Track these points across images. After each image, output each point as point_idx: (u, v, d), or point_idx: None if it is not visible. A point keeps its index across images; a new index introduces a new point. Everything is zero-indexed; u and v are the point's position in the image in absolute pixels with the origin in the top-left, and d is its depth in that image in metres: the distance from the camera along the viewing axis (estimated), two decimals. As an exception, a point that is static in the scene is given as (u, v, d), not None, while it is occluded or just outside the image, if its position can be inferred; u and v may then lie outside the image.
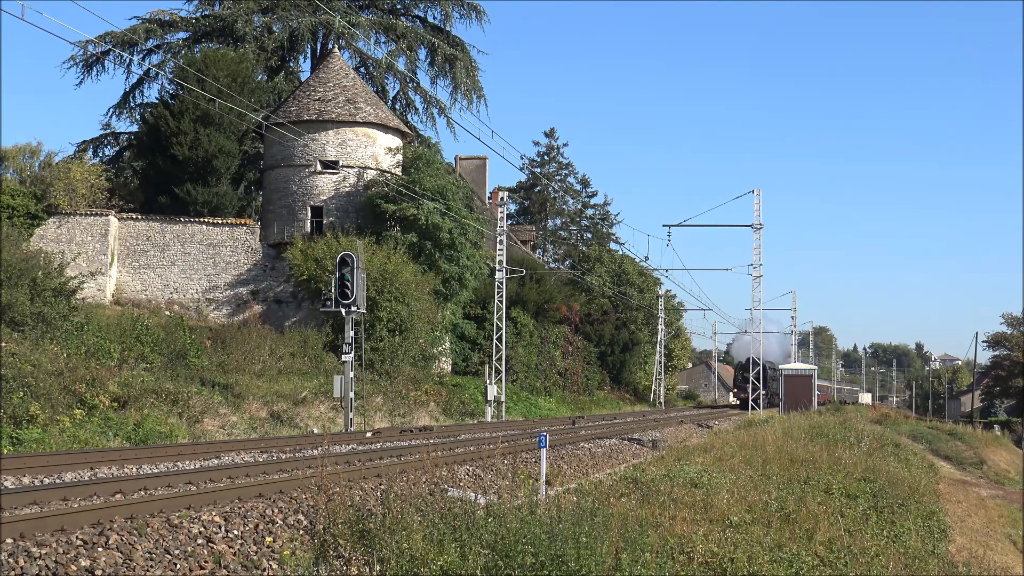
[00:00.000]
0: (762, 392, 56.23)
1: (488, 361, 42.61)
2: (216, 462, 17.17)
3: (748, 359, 63.68)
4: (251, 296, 40.24)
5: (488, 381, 39.74)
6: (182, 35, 49.54)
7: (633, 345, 69.76)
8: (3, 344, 22.59)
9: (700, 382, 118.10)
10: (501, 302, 42.49)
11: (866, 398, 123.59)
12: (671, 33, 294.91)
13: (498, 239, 43.00)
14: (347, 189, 41.03)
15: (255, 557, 9.36)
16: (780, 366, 67.24)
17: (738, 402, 71.22)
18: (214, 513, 10.22)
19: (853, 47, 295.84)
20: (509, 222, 52.26)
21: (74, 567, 8.13)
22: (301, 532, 10.10)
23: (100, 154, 50.46)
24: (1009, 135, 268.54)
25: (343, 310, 26.63)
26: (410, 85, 52.46)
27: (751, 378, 56.82)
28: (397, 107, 51.54)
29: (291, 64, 52.25)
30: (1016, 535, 22.74)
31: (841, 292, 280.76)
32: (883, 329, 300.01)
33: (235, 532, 9.89)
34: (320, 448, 19.76)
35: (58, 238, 37.62)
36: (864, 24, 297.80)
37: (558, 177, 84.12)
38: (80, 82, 49.18)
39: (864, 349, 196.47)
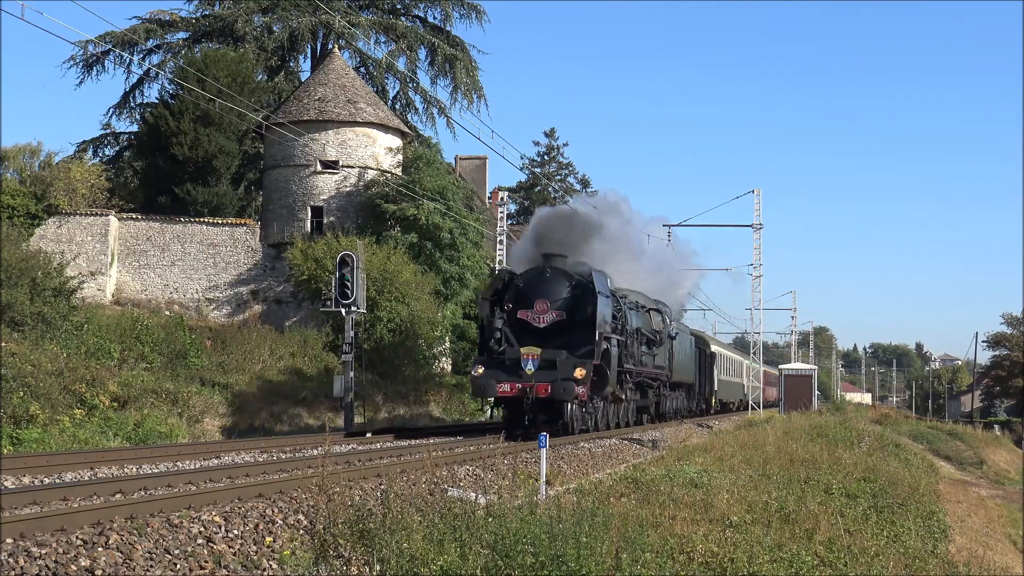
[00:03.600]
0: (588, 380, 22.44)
1: (488, 361, 42.52)
2: (216, 462, 17.16)
3: (546, 263, 24.11)
4: (251, 296, 40.25)
5: (488, 381, 39.59)
6: (182, 35, 49.55)
7: (633, 345, 69.50)
8: (3, 344, 22.59)
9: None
10: (501, 302, 42.40)
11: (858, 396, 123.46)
12: (671, 33, 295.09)
13: (498, 239, 43.01)
14: (347, 189, 41.03)
15: (255, 557, 9.36)
16: (782, 366, 54.36)
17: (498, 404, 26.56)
18: (214, 513, 10.22)
19: (853, 47, 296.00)
20: (509, 222, 52.24)
21: (74, 567, 8.12)
22: (301, 532, 10.10)
23: (100, 154, 50.45)
24: (1009, 134, 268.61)
25: (343, 310, 26.63)
26: (410, 85, 52.47)
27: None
28: (397, 107, 51.53)
29: (291, 64, 52.24)
30: (1016, 535, 22.75)
31: (841, 292, 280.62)
32: (883, 329, 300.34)
33: (235, 532, 9.89)
34: (320, 448, 19.76)
35: (58, 238, 37.62)
36: (864, 24, 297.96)
37: (558, 177, 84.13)
38: (80, 82, 49.12)
39: (864, 349, 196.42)
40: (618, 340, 25.03)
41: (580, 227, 27.16)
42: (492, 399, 23.97)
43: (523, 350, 22.92)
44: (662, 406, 33.91)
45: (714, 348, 44.91)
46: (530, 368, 22.79)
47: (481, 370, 23.18)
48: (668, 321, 32.15)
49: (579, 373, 22.52)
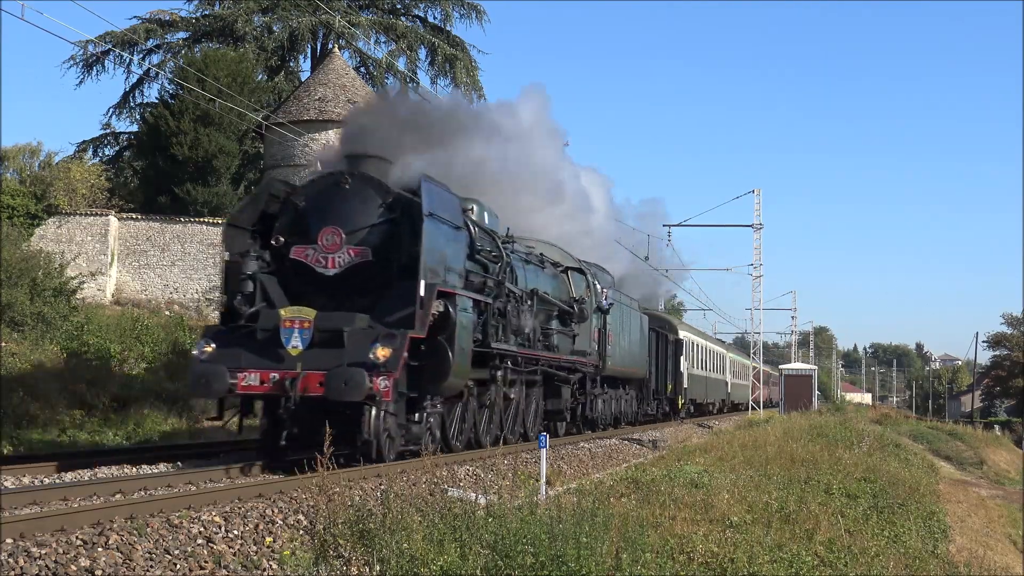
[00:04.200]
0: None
1: (488, 361, 42.23)
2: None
3: None
4: (251, 296, 40.23)
5: (488, 381, 39.34)
6: (182, 35, 49.60)
7: (633, 345, 69.15)
8: (3, 344, 22.60)
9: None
10: (501, 302, 42.12)
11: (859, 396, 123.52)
12: (671, 33, 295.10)
13: (498, 239, 42.84)
14: (347, 189, 41.02)
15: (255, 557, 9.35)
16: (782, 366, 55.64)
17: None
18: (214, 513, 10.21)
19: (853, 47, 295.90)
20: (509, 222, 52.19)
21: (74, 567, 8.12)
22: (301, 532, 10.10)
23: (100, 154, 50.49)
24: (1009, 134, 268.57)
25: (343, 310, 26.52)
26: (410, 85, 52.44)
27: None
28: (397, 107, 51.50)
29: (291, 64, 52.27)
30: (1016, 535, 22.74)
31: (841, 292, 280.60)
32: (883, 329, 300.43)
33: (235, 532, 9.88)
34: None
35: (58, 238, 37.61)
36: (864, 24, 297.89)
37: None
38: (80, 82, 49.15)
39: (864, 349, 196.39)
40: (481, 302, 15.68)
41: (419, 111, 16.66)
42: (231, 398, 14.00)
43: (284, 313, 13.37)
44: (591, 409, 24.44)
45: (683, 334, 35.03)
46: (296, 345, 13.24)
47: (210, 348, 13.57)
48: (599, 288, 22.99)
49: (381, 353, 12.87)
